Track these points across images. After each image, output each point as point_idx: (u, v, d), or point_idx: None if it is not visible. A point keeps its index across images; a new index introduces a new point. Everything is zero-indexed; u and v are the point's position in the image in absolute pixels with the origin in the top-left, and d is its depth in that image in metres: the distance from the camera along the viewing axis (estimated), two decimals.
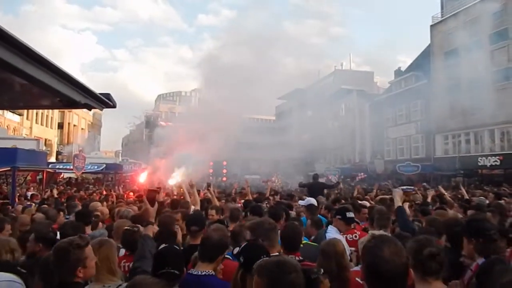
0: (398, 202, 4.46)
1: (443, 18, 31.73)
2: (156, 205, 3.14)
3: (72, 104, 2.44)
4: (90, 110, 2.88)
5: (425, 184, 23.38)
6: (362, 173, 29.33)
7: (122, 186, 18.68)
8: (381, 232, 3.47)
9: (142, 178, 16.05)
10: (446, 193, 8.79)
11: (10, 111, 38.03)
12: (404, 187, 8.51)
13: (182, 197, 8.30)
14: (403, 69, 39.68)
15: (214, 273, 2.86)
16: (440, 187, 9.78)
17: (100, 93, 2.66)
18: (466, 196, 9.70)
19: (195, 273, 2.81)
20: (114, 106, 2.87)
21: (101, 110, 2.82)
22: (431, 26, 32.72)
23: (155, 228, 3.62)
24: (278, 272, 1.87)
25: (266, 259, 2.19)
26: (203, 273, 2.79)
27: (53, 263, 2.44)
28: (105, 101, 2.73)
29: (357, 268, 2.99)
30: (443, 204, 7.69)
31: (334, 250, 3.04)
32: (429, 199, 8.84)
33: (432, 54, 32.24)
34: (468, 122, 27.51)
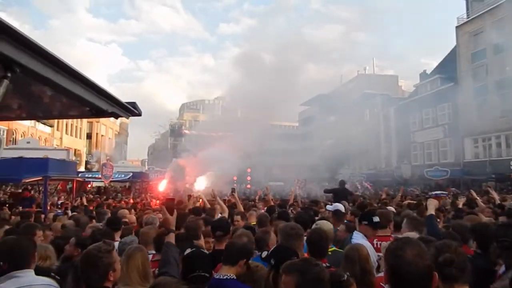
0: (431, 210, 4.41)
1: (469, 19, 30.99)
2: (175, 213, 3.21)
3: (100, 113, 2.54)
4: (116, 118, 2.98)
5: (454, 188, 22.73)
6: (367, 182, 28.77)
7: (148, 194, 19.03)
8: (414, 234, 3.38)
9: (162, 186, 16.21)
10: (478, 198, 8.49)
11: (41, 123, 39.55)
12: (438, 192, 8.31)
13: (203, 206, 8.43)
14: (428, 71, 38.89)
15: (235, 277, 2.93)
16: (472, 191, 9.45)
17: (126, 102, 2.75)
18: (498, 201, 9.34)
19: (217, 277, 2.87)
20: (139, 114, 2.96)
21: (127, 118, 2.92)
22: (457, 27, 32.01)
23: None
24: (304, 266, 2.02)
25: (292, 260, 2.27)
26: (225, 277, 2.84)
27: (83, 268, 2.49)
28: (131, 110, 2.83)
29: (382, 274, 2.96)
30: (471, 208, 7.47)
31: (358, 254, 3.01)
32: (460, 206, 8.59)
33: (458, 56, 31.47)
34: (498, 125, 26.61)
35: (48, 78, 1.82)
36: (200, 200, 9.71)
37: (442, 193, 8.19)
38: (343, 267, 2.93)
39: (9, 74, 1.60)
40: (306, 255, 3.35)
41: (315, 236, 3.41)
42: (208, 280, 2.46)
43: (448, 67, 32.78)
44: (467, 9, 31.78)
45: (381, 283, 2.70)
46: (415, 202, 10.06)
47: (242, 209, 7.34)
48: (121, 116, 2.80)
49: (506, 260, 2.62)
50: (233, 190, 8.12)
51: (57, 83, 1.88)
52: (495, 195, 10.39)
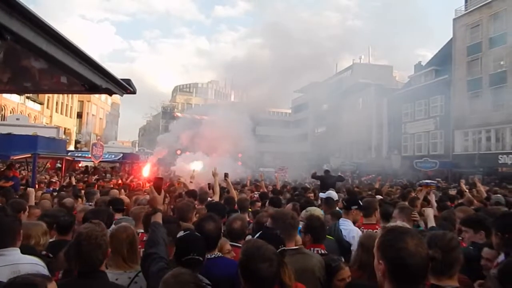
0: (431, 222, 4.03)
1: (467, 11, 30.90)
2: (163, 193, 3.14)
3: (94, 89, 2.44)
4: (110, 95, 2.88)
5: (438, 179, 22.98)
6: (367, 175, 29.00)
7: (138, 175, 18.85)
8: (404, 224, 3.36)
9: (146, 171, 15.82)
10: (467, 190, 8.58)
11: (31, 100, 38.88)
12: (428, 181, 8.33)
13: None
14: (423, 63, 38.94)
15: (221, 254, 2.97)
16: (461, 183, 9.51)
17: (121, 79, 2.66)
18: (484, 194, 9.40)
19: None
20: (134, 92, 2.86)
21: (122, 95, 2.82)
22: (454, 19, 31.92)
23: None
24: (253, 255, 2.04)
25: (255, 240, 2.28)
26: (212, 256, 2.85)
27: (89, 250, 2.33)
28: (125, 87, 2.74)
29: None
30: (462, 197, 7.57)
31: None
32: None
33: (454, 48, 31.48)
34: (489, 119, 26.87)
35: (40, 48, 1.73)
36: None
37: (432, 182, 8.20)
38: (358, 256, 2.89)
39: None
40: (300, 239, 3.35)
41: (317, 223, 3.42)
42: (202, 263, 2.42)
43: (443, 60, 32.83)
44: (466, 1, 31.65)
45: None
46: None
47: (234, 193, 7.32)
48: (115, 93, 2.71)
49: (508, 249, 2.64)
50: (226, 175, 8.04)
51: (50, 54, 1.79)
52: (481, 188, 10.46)
